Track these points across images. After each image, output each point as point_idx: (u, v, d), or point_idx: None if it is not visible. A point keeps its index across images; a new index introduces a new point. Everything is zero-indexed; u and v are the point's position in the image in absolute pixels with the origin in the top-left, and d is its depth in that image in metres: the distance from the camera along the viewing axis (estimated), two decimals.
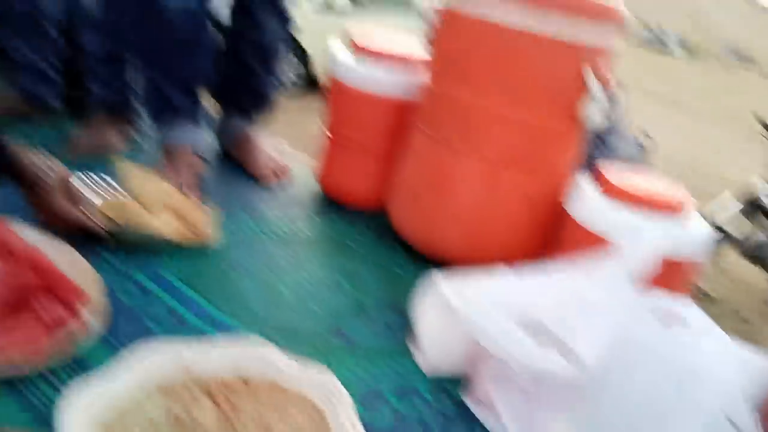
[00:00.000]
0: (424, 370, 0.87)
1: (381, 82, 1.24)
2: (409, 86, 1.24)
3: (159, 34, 1.23)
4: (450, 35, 1.09)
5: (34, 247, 0.84)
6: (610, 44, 1.05)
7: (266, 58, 1.49)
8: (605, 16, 1.01)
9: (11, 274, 0.75)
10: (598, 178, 1.07)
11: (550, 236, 1.13)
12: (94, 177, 1.06)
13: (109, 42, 1.38)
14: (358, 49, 1.27)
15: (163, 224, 0.94)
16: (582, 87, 1.03)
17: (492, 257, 1.09)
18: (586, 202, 1.04)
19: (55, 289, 0.78)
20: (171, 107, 1.30)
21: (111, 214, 0.94)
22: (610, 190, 1.03)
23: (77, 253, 0.90)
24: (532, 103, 1.04)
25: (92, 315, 0.79)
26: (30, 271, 0.77)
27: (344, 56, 1.28)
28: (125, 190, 1.02)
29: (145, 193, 1.00)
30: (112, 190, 1.04)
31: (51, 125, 1.45)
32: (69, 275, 0.81)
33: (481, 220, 1.11)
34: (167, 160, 1.30)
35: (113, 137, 1.40)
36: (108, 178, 1.07)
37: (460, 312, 0.81)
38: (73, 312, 0.77)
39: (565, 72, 1.03)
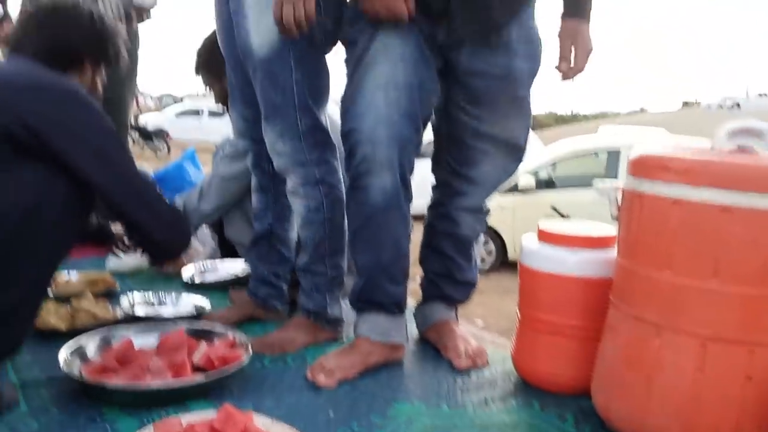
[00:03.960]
0: None
1: (564, 261, 1.26)
2: (597, 265, 1.24)
3: (371, 229, 1.33)
4: (641, 216, 1.07)
5: None
6: None
7: (464, 249, 1.56)
8: None
9: None
10: None
11: None
12: None
13: (308, 256, 1.53)
14: (542, 235, 1.32)
15: None
16: None
17: None
18: None
19: None
20: (378, 302, 1.38)
21: None
22: None
23: None
24: (747, 275, 0.97)
25: None
26: None
27: (530, 242, 1.33)
28: None
29: None
30: None
31: (276, 325, 1.62)
32: None
33: (696, 404, 1.00)
34: (362, 350, 1.37)
35: (300, 337, 1.52)
36: None
37: None
38: None
39: None
